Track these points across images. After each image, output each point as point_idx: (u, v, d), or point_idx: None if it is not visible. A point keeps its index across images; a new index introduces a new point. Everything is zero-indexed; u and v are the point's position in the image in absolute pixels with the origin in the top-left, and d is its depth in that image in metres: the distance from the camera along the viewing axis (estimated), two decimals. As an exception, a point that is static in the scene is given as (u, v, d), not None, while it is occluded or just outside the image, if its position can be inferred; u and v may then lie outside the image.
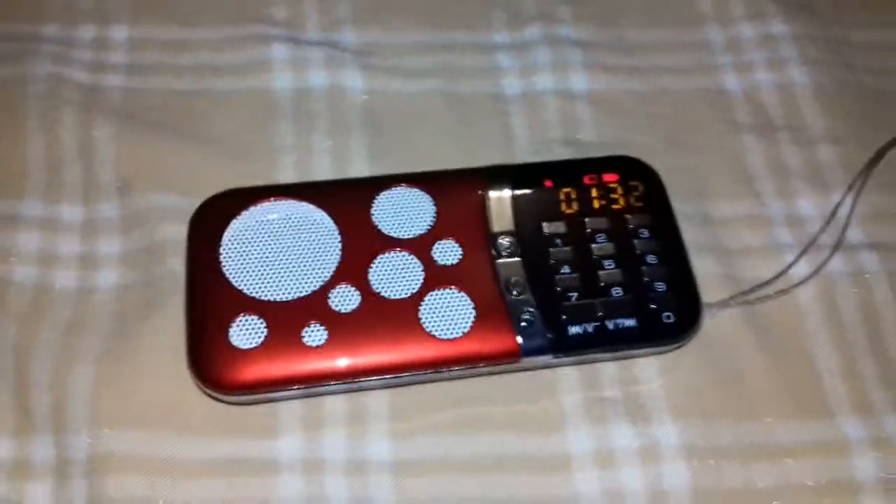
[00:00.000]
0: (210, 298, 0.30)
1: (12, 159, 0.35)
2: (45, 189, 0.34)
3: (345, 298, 0.31)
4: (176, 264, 0.32)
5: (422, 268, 0.31)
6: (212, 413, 0.30)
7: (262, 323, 0.30)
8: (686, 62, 0.40)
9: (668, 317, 0.31)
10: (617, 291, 0.31)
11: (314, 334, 0.30)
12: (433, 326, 0.30)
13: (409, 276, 0.31)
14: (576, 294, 0.31)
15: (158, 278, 0.33)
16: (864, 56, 0.41)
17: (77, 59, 0.37)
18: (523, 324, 0.30)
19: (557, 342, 0.30)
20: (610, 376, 0.32)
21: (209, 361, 0.29)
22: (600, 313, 0.31)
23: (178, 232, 0.33)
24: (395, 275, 0.31)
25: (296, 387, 0.30)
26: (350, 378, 0.30)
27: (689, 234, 0.34)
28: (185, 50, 0.38)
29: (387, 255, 0.31)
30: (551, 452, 0.31)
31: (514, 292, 0.31)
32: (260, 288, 0.31)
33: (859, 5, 0.42)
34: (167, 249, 0.33)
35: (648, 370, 0.32)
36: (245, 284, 0.31)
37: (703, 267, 0.34)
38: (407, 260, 0.31)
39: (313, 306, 0.30)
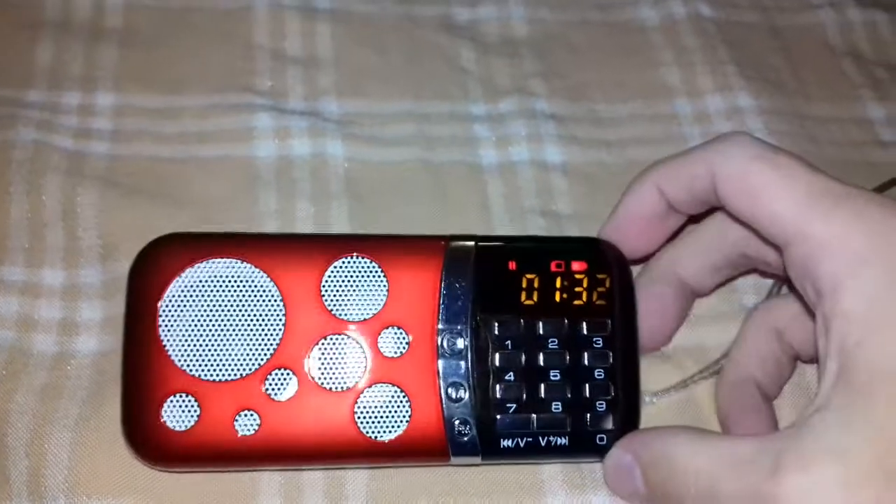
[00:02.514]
0: (146, 370, 0.29)
1: (-6, 224, 0.35)
2: (26, 254, 0.34)
3: (281, 384, 0.29)
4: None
5: (365, 358, 0.30)
6: (190, 483, 0.30)
7: (195, 404, 0.29)
8: (655, 133, 0.41)
9: (602, 439, 0.31)
10: (556, 406, 0.31)
11: (247, 422, 0.29)
12: (367, 426, 0.29)
13: (351, 366, 0.30)
14: (514, 406, 0.30)
15: None
16: (827, 129, 0.43)
17: (62, 125, 0.38)
18: (457, 431, 0.30)
19: (487, 451, 0.30)
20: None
21: (141, 437, 0.29)
22: (535, 428, 0.30)
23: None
24: (336, 363, 0.30)
25: (227, 469, 0.30)
26: (280, 467, 0.30)
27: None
28: (170, 117, 0.39)
29: (331, 338, 0.30)
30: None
31: (454, 396, 0.30)
32: (198, 365, 0.29)
33: (820, 81, 0.44)
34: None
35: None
36: (183, 359, 0.29)
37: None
38: (351, 347, 0.30)
39: (249, 390, 0.29)
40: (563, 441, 0.30)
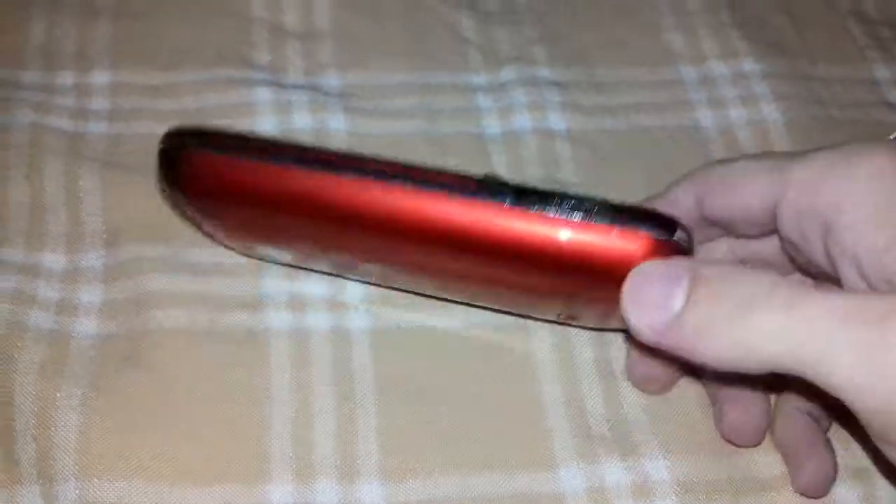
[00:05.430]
0: None
1: (-6, 209, 0.34)
2: (26, 238, 0.34)
3: None
4: (159, 316, 0.32)
5: None
6: (202, 461, 0.30)
7: None
8: (660, 99, 0.41)
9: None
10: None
11: None
12: None
13: None
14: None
15: (140, 331, 0.32)
16: (832, 90, 0.42)
17: (59, 105, 0.37)
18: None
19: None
20: (599, 414, 0.32)
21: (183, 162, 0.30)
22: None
23: (162, 283, 0.33)
24: None
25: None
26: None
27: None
28: (168, 94, 0.38)
29: None
30: (544, 491, 0.31)
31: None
32: None
33: (825, 43, 0.44)
34: (151, 301, 0.33)
35: (636, 405, 0.32)
36: None
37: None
38: None
39: None
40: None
